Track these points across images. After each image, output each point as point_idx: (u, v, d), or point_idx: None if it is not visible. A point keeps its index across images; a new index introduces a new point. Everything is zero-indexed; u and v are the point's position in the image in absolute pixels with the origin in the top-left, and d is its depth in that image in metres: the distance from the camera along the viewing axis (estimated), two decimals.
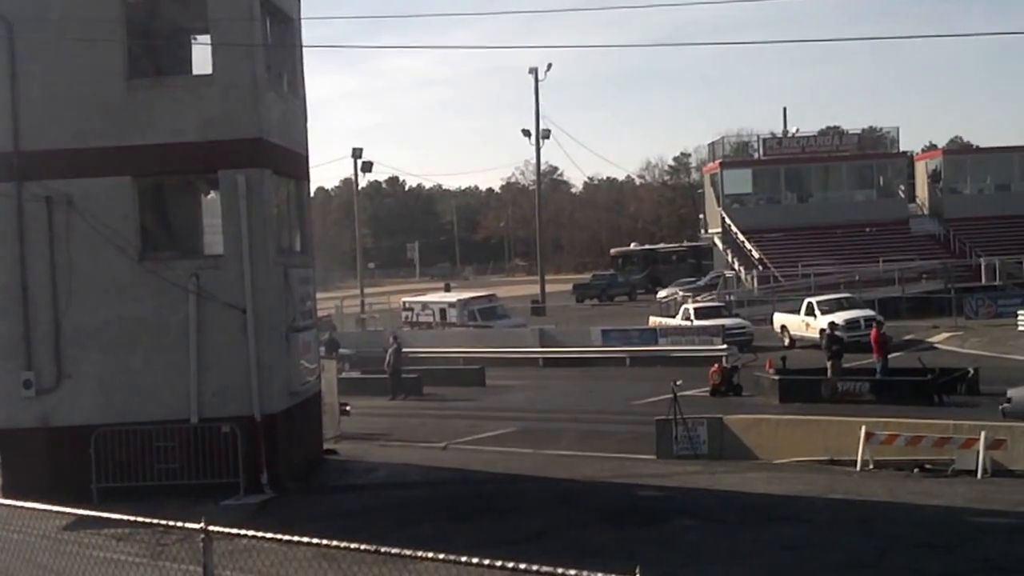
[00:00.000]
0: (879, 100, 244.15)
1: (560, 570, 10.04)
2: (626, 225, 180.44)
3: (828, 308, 62.91)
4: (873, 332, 49.85)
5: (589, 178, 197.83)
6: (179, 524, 14.09)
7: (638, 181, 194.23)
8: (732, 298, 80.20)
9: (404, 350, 66.63)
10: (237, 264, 30.55)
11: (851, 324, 58.34)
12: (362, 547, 11.87)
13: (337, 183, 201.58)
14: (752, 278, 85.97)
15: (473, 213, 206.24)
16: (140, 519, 15.21)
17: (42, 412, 30.58)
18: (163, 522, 14.82)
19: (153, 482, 28.99)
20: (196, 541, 13.36)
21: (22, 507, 16.47)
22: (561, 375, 60.63)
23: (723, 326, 63.76)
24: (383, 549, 11.72)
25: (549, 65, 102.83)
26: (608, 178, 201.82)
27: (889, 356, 48.19)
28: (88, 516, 16.55)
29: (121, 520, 15.77)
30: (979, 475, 30.03)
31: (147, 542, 22.29)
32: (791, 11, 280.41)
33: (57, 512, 16.09)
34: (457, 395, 53.30)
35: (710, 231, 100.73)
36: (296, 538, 12.60)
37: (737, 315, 71.03)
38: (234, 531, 13.68)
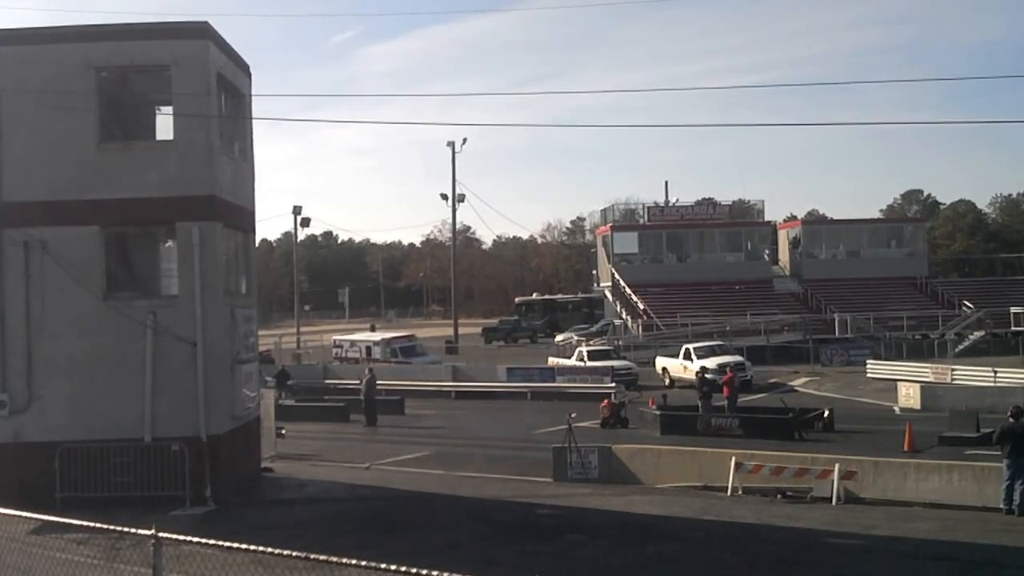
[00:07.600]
0: (747, 176, 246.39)
1: None
2: (529, 278, 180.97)
3: (703, 354, 63.43)
4: (728, 374, 50.25)
5: (497, 236, 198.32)
6: (132, 530, 13.86)
7: (540, 240, 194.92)
8: (620, 343, 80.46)
9: (333, 382, 66.70)
10: (190, 304, 30.32)
11: (722, 368, 58.47)
12: (293, 554, 11.72)
13: (279, 235, 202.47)
14: (637, 326, 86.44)
15: (397, 264, 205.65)
16: (98, 525, 14.95)
17: (14, 429, 30.15)
18: (118, 528, 14.55)
19: (110, 493, 28.52)
20: (147, 546, 13.12)
21: None
22: (471, 406, 60.46)
23: (612, 367, 64.06)
24: (312, 556, 11.58)
25: (464, 139, 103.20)
26: (514, 237, 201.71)
27: (753, 397, 48.48)
28: (52, 522, 16.22)
29: (81, 526, 15.49)
30: (834, 502, 30.17)
31: (103, 546, 21.87)
32: (673, 98, 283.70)
33: (25, 517, 15.75)
34: (379, 422, 52.90)
35: (601, 284, 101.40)
36: (235, 545, 12.41)
37: (624, 358, 71.24)
38: (181, 538, 13.49)
